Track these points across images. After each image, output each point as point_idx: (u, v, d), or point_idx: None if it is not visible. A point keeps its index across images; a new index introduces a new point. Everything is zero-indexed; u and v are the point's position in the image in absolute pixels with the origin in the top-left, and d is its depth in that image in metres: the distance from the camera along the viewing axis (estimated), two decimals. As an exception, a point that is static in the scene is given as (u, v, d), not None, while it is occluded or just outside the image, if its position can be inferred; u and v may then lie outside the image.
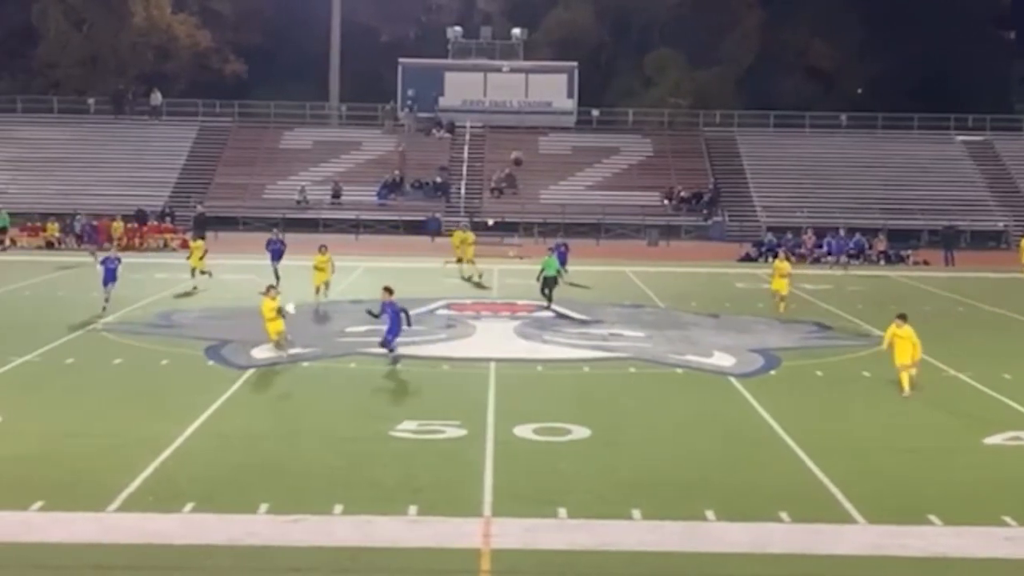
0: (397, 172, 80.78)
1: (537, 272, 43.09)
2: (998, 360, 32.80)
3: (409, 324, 31.53)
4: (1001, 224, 77.69)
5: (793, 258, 54.82)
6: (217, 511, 18.29)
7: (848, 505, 19.12)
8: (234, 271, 50.90)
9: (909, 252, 67.07)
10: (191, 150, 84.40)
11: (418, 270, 53.50)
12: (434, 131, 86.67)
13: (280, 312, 30.63)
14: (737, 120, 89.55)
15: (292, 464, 21.21)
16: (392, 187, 79.97)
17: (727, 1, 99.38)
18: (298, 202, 77.66)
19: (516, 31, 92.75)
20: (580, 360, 32.62)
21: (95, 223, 66.08)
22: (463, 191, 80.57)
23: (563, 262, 47.84)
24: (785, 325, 39.23)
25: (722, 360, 32.57)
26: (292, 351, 30.95)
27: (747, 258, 65.08)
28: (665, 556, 16.86)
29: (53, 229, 65.79)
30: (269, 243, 48.50)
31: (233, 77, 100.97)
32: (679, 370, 31.26)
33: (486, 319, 39.64)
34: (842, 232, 65.57)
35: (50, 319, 37.57)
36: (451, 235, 56.90)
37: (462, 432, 23.52)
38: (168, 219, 71.53)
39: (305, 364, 30.71)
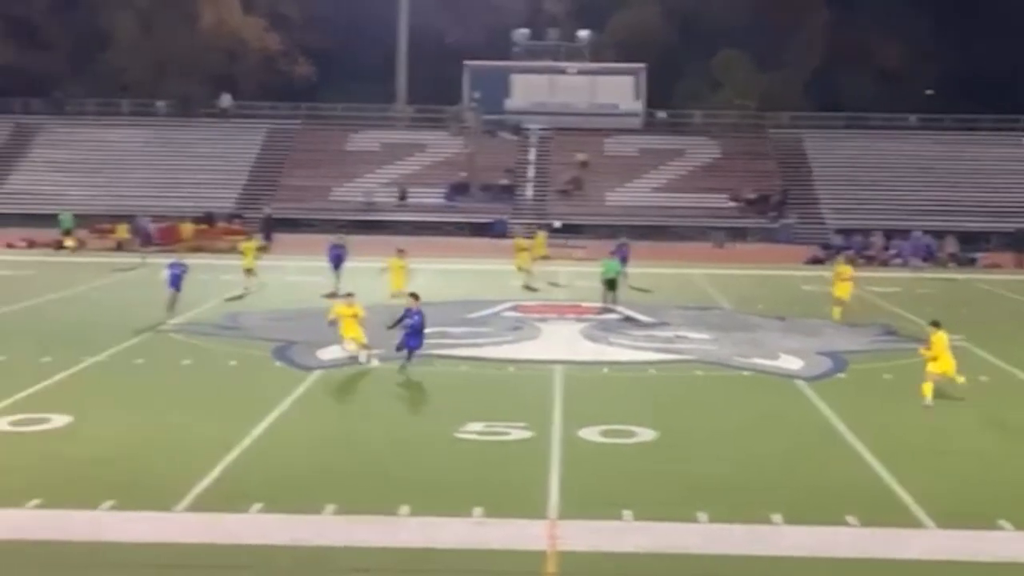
0: (464, 174, 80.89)
1: (599, 275, 43.04)
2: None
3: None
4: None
5: (862, 260, 54.30)
6: (284, 512, 18.41)
7: (917, 509, 18.98)
8: (300, 273, 51.17)
9: (979, 255, 66.43)
10: (259, 152, 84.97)
11: (483, 272, 53.50)
12: (500, 133, 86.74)
13: (333, 323, 30.42)
14: (804, 122, 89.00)
15: (358, 465, 21.31)
16: (458, 189, 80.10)
17: (793, 2, 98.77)
18: (364, 204, 77.90)
19: (583, 33, 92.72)
20: (646, 362, 32.54)
21: (150, 225, 66.48)
22: (530, 193, 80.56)
23: (624, 263, 47.51)
24: (852, 328, 38.90)
25: (789, 363, 32.42)
26: (376, 362, 30.35)
27: (814, 260, 64.60)
28: (730, 560, 16.81)
29: (122, 231, 66.26)
30: (330, 248, 47.91)
31: (301, 79, 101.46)
32: (745, 373, 31.13)
33: (552, 321, 39.60)
34: (922, 234, 64.95)
35: (119, 320, 37.86)
36: (534, 238, 56.92)
37: (528, 434, 23.54)
38: (236, 221, 71.97)
39: (373, 364, 30.73)
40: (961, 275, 60.08)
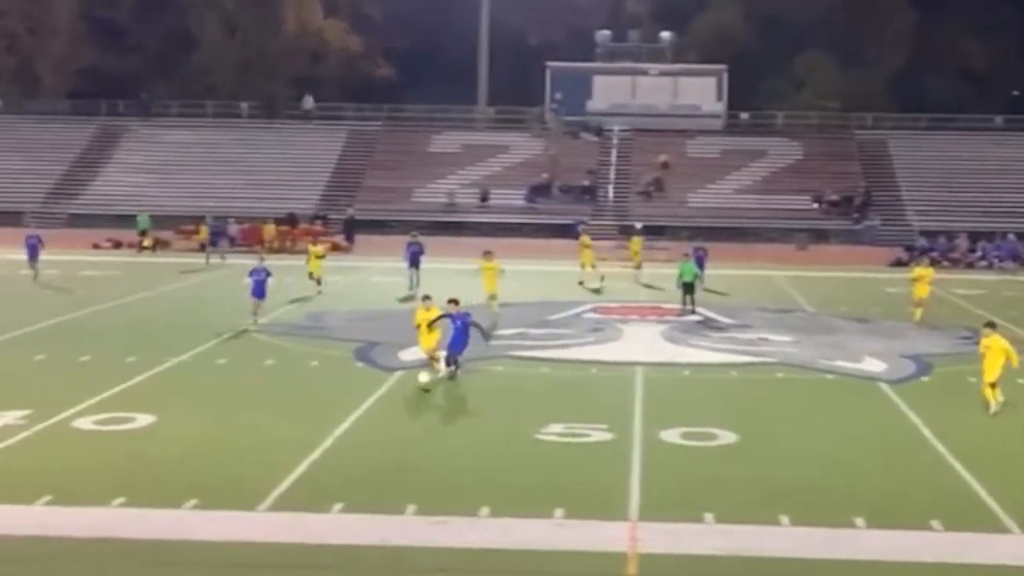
0: (546, 175, 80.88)
1: (675, 278, 42.85)
2: None
3: (487, 339, 30.30)
4: None
5: (946, 263, 53.70)
6: (365, 512, 18.50)
7: (1002, 514, 18.76)
8: (382, 274, 51.43)
9: (1067, 257, 65.53)
10: (341, 154, 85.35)
11: (563, 273, 53.40)
12: (581, 134, 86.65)
13: (431, 326, 29.20)
14: (888, 122, 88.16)
15: (439, 466, 21.37)
16: (539, 191, 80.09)
17: (878, 2, 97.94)
18: (446, 206, 78.09)
19: (664, 34, 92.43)
20: (727, 364, 32.44)
21: (232, 226, 67.04)
22: (611, 194, 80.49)
23: (701, 267, 46.79)
24: (936, 331, 38.57)
25: (872, 366, 32.16)
26: (441, 375, 29.02)
27: (898, 263, 63.98)
28: (813, 563, 16.70)
29: (204, 232, 66.76)
30: (407, 247, 47.89)
31: (383, 81, 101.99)
32: (828, 376, 30.93)
33: (633, 323, 39.56)
34: (1013, 237, 64.20)
35: (203, 320, 38.30)
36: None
37: (609, 435, 23.51)
38: (319, 222, 72.43)
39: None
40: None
